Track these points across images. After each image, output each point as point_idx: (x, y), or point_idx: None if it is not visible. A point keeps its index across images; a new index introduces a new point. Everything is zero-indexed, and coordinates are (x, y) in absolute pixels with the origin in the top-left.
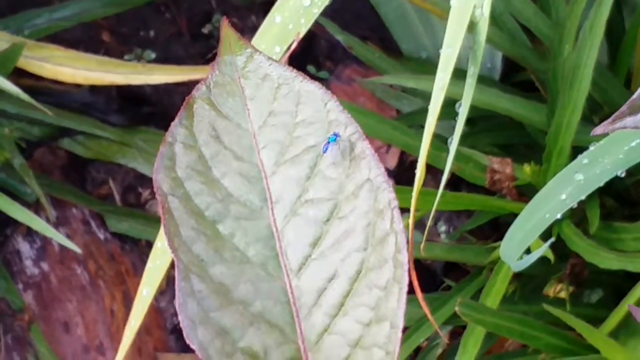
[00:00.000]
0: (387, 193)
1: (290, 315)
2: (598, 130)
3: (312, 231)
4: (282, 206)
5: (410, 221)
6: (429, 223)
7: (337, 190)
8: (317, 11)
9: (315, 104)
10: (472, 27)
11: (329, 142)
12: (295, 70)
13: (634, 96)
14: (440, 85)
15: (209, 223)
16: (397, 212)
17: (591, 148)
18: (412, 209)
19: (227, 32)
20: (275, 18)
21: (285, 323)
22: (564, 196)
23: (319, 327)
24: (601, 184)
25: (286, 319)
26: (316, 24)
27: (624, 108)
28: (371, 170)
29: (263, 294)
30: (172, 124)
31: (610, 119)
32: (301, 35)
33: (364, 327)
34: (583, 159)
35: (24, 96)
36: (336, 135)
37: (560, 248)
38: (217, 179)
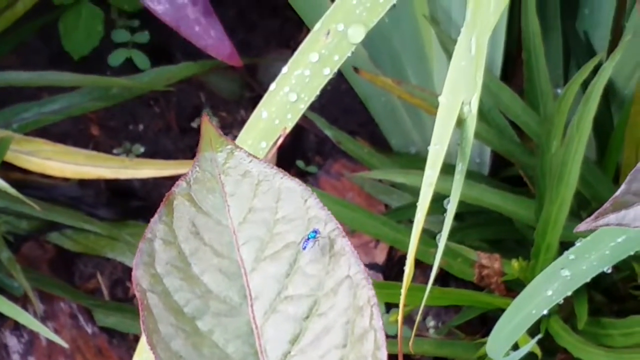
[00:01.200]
0: (367, 290)
1: None
2: (582, 227)
3: (291, 328)
4: (262, 303)
5: (400, 317)
6: (419, 319)
7: (316, 287)
8: (303, 107)
9: (295, 201)
10: (460, 123)
11: (308, 239)
12: (275, 167)
13: (617, 193)
14: (428, 181)
15: (188, 319)
16: (376, 309)
17: (577, 244)
18: (401, 305)
19: (208, 128)
20: (262, 113)
21: None
22: (550, 292)
23: None
24: (587, 280)
25: None
26: (305, 118)
27: (607, 205)
28: (350, 267)
29: None
30: (152, 220)
31: (593, 216)
32: (287, 131)
33: None
34: (569, 254)
35: (12, 190)
36: (316, 232)
37: (548, 343)
38: (197, 275)
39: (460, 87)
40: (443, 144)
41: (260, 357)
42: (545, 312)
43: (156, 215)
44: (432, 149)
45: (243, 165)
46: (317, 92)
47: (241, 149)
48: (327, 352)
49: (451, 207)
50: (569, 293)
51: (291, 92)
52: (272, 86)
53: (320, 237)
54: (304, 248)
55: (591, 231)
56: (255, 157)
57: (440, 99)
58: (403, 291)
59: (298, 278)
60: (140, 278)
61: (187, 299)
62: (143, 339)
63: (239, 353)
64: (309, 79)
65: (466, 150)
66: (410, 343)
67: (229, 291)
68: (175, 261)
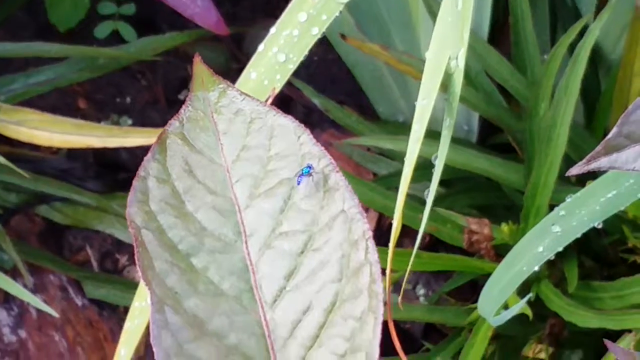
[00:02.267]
0: (361, 224)
1: (265, 348)
2: (573, 170)
3: (286, 264)
4: (256, 239)
5: (387, 280)
6: (404, 283)
7: (311, 222)
8: (292, 67)
9: (288, 138)
10: (447, 81)
11: (302, 175)
12: (268, 105)
13: (609, 136)
14: (415, 137)
15: (182, 256)
16: (371, 243)
17: (568, 200)
18: (388, 267)
19: (200, 69)
20: (250, 74)
21: (260, 356)
22: (541, 248)
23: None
24: (578, 236)
25: (261, 352)
26: (292, 88)
27: (599, 148)
28: (345, 201)
29: (238, 326)
30: (145, 158)
31: (585, 160)
32: (276, 91)
33: (339, 359)
34: (560, 210)
35: (3, 160)
36: (310, 167)
37: (539, 308)
38: (191, 213)
39: (447, 42)
40: (430, 98)
41: (256, 293)
42: (536, 268)
43: (149, 154)
44: (419, 104)
45: (235, 104)
46: (306, 52)
47: (233, 87)
48: (323, 287)
49: (439, 163)
50: (560, 249)
51: (280, 53)
52: (261, 47)
53: (314, 173)
54: (298, 184)
55: (582, 187)
56: (248, 96)
57: (427, 54)
58: (390, 253)
59: (292, 214)
60: (134, 215)
61: (181, 236)
62: (134, 305)
63: (234, 289)
64: (297, 39)
65: (454, 105)
66: (399, 301)
67: (223, 228)
68: (169, 199)
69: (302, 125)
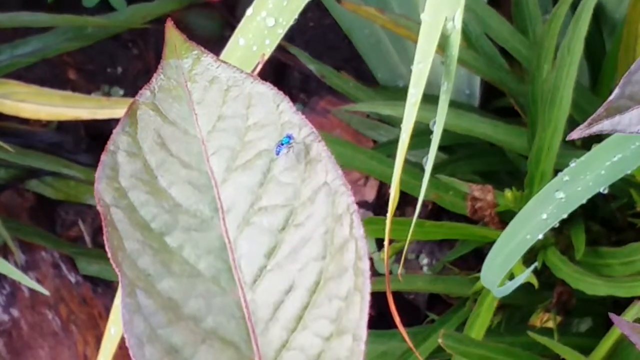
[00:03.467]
0: (346, 197)
1: (245, 331)
2: (574, 134)
3: (266, 241)
4: (234, 215)
5: (386, 248)
6: (406, 253)
7: (292, 196)
8: (281, 31)
9: (267, 106)
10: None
11: (282, 145)
12: (245, 72)
13: (611, 98)
14: (412, 101)
15: (155, 235)
16: (356, 217)
17: (572, 165)
18: (386, 236)
19: (172, 34)
20: (238, 40)
21: (240, 339)
22: (545, 215)
23: (276, 343)
24: (583, 202)
25: (241, 335)
26: (288, 54)
27: (600, 110)
28: (328, 173)
29: (216, 309)
30: (114, 131)
31: (586, 123)
32: (266, 57)
33: (325, 341)
34: (564, 176)
35: None
36: (290, 137)
37: (546, 276)
38: (164, 189)
39: (444, 3)
40: (427, 61)
41: (234, 272)
42: (540, 236)
43: (118, 127)
44: (415, 67)
45: (211, 71)
46: (296, 16)
47: (208, 54)
48: (306, 265)
49: (437, 128)
50: (565, 215)
51: (269, 17)
52: (249, 11)
53: (295, 143)
54: (278, 155)
55: (586, 151)
56: (224, 62)
57: (423, 16)
58: (388, 219)
59: (272, 187)
60: (102, 192)
61: (154, 214)
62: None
63: (212, 269)
64: (287, 2)
65: (451, 68)
66: (399, 272)
67: (199, 204)
68: (140, 174)
69: (281, 93)
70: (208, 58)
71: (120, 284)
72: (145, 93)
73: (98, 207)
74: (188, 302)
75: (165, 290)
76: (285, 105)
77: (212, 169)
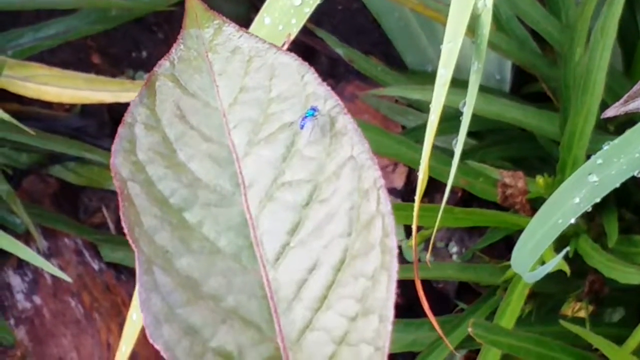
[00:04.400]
0: (373, 171)
1: (267, 311)
2: (609, 112)
3: (290, 217)
4: (256, 190)
5: (414, 233)
6: (433, 240)
7: (316, 170)
8: (308, 10)
9: (291, 77)
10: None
11: (306, 118)
12: (268, 42)
13: None
14: (441, 82)
15: (174, 211)
16: (383, 193)
17: (605, 147)
18: (414, 223)
19: (193, 3)
20: (264, 19)
21: (262, 319)
22: (577, 200)
23: (299, 323)
24: (617, 185)
25: (263, 315)
26: (316, 39)
27: (637, 87)
28: (354, 147)
29: (236, 287)
30: (132, 103)
31: (622, 99)
32: (292, 37)
33: (350, 322)
34: (597, 159)
35: (7, 117)
36: (314, 109)
37: (578, 265)
38: (183, 163)
39: None
40: (457, 41)
41: (256, 249)
42: (572, 221)
43: (136, 98)
44: (445, 46)
45: (232, 41)
46: None
47: (230, 23)
48: (330, 242)
49: (467, 110)
50: (598, 199)
51: None
52: None
53: (320, 116)
54: (302, 128)
55: (620, 134)
56: (246, 32)
57: None
58: (416, 205)
59: (296, 162)
60: (119, 166)
61: (172, 189)
62: None
63: (232, 246)
64: None
65: (481, 48)
66: (427, 258)
67: (219, 179)
68: (159, 147)
69: (306, 63)
70: (230, 28)
71: (137, 261)
72: (164, 64)
73: (114, 182)
74: (207, 280)
75: (184, 268)
76: (310, 76)
77: (233, 142)
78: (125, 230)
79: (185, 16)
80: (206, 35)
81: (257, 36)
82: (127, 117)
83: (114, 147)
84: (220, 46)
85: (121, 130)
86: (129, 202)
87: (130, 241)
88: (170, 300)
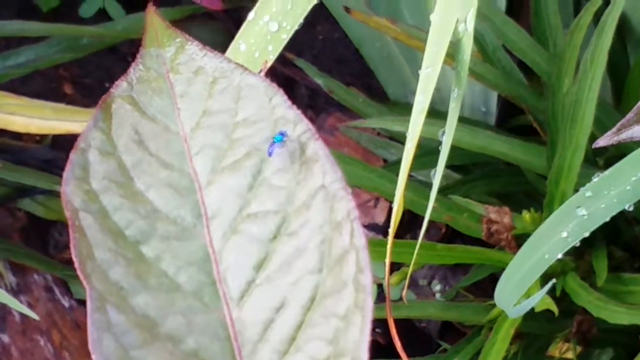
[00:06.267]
0: (346, 202)
1: (230, 354)
2: (602, 141)
3: (256, 251)
4: (220, 222)
5: (387, 268)
6: (410, 277)
7: (285, 201)
8: (286, 36)
9: (258, 100)
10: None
11: (275, 144)
12: (233, 62)
13: None
14: (419, 108)
15: (130, 244)
16: (357, 225)
17: (594, 179)
18: (387, 253)
19: (153, 20)
20: (239, 46)
21: None
22: (565, 234)
23: None
24: (607, 219)
25: (226, 359)
26: (295, 68)
27: (630, 115)
28: (326, 175)
29: (197, 328)
30: (86, 127)
31: (615, 128)
32: (269, 65)
33: None
34: (586, 191)
35: None
36: (283, 134)
37: (565, 304)
38: (141, 192)
39: (455, 3)
40: (436, 66)
41: (219, 287)
42: (560, 256)
43: (90, 121)
44: (423, 72)
45: (195, 61)
46: (301, 20)
47: (193, 41)
48: (299, 279)
49: (447, 137)
50: (587, 234)
51: (272, 21)
52: (251, 15)
53: (289, 141)
54: (270, 154)
55: (609, 166)
56: (210, 51)
57: (432, 16)
58: (390, 234)
59: (263, 191)
60: (71, 195)
61: (129, 220)
62: None
63: (193, 283)
64: (291, 5)
65: (462, 74)
66: (404, 293)
67: (180, 210)
68: (114, 175)
69: (274, 85)
70: (193, 46)
71: (88, 299)
72: (121, 85)
73: (65, 212)
74: (166, 320)
75: (140, 306)
76: (279, 99)
77: (195, 170)
78: (76, 265)
79: (145, 34)
80: (167, 55)
81: (222, 55)
82: (80, 142)
83: (65, 175)
84: (182, 66)
85: (73, 156)
86: (81, 234)
87: (81, 277)
88: (124, 341)
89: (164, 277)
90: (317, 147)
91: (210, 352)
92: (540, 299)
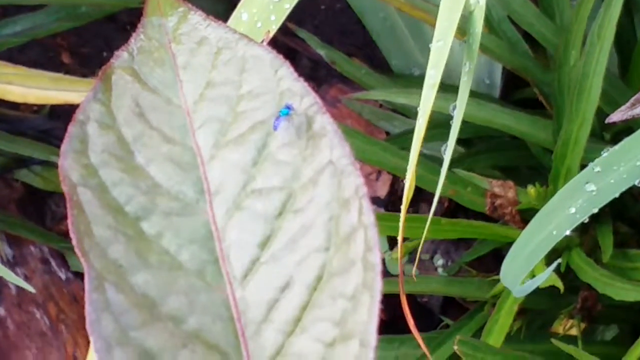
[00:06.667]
0: (354, 178)
1: (233, 335)
2: (615, 116)
3: (260, 229)
4: (223, 198)
5: (399, 248)
6: (420, 252)
7: (291, 176)
8: (288, 6)
9: (263, 72)
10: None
11: (280, 117)
12: (238, 32)
13: None
14: (430, 83)
15: (130, 220)
16: (366, 202)
17: (604, 154)
18: (400, 234)
19: None
20: (241, 15)
21: (227, 344)
22: (573, 210)
23: (270, 349)
24: (616, 195)
25: (229, 339)
26: (297, 39)
27: None
28: (333, 150)
29: (199, 308)
30: (84, 99)
31: (629, 103)
32: (271, 35)
33: (327, 348)
34: (595, 167)
35: None
36: (289, 108)
37: (570, 280)
38: (142, 166)
39: None
40: (447, 39)
41: (222, 265)
42: (568, 232)
43: (90, 93)
44: (434, 45)
45: (199, 31)
46: None
47: (196, 11)
48: (306, 257)
49: (458, 113)
50: (596, 210)
51: None
52: None
53: (295, 115)
54: (275, 128)
55: (619, 141)
56: (214, 21)
57: None
58: (402, 215)
59: (268, 166)
60: (69, 169)
61: (129, 195)
62: None
63: (195, 261)
64: None
65: (474, 47)
66: (414, 272)
67: (182, 185)
68: (114, 149)
69: (280, 56)
70: (196, 16)
71: (86, 277)
72: (122, 55)
73: (62, 187)
74: (167, 299)
75: (140, 285)
76: (285, 70)
77: (198, 144)
78: (74, 242)
79: (146, 2)
80: (169, 24)
81: (226, 26)
82: (79, 114)
83: (63, 148)
84: (184, 36)
85: (72, 128)
86: (79, 210)
87: (79, 254)
88: (123, 321)
89: (164, 254)
90: (324, 121)
91: (212, 332)
92: (544, 272)
